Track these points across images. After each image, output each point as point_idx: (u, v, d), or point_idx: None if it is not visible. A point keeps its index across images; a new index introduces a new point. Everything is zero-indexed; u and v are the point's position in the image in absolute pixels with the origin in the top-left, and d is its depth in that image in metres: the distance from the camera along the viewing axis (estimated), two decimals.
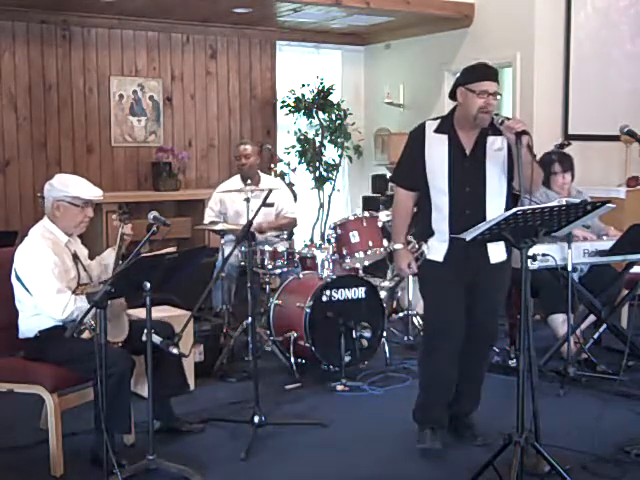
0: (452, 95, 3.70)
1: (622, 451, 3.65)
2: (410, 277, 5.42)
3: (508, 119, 3.45)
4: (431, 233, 3.70)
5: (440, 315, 3.74)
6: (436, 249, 3.67)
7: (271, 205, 5.44)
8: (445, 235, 3.65)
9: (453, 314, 3.69)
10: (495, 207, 3.63)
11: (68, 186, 3.73)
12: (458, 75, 3.70)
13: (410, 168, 3.75)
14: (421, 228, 3.79)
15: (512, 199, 3.69)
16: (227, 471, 3.62)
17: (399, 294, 6.08)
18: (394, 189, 3.90)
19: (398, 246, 3.79)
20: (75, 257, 3.81)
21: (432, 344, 3.81)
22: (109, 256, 3.99)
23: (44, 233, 3.72)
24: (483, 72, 3.60)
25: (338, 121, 8.12)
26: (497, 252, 3.67)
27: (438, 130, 3.69)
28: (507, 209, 3.63)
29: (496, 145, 3.64)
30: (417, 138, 3.73)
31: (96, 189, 3.80)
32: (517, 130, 3.33)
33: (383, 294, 5.41)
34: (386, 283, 5.68)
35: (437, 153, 3.66)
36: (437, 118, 3.78)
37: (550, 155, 5.03)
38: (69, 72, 7.26)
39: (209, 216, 5.83)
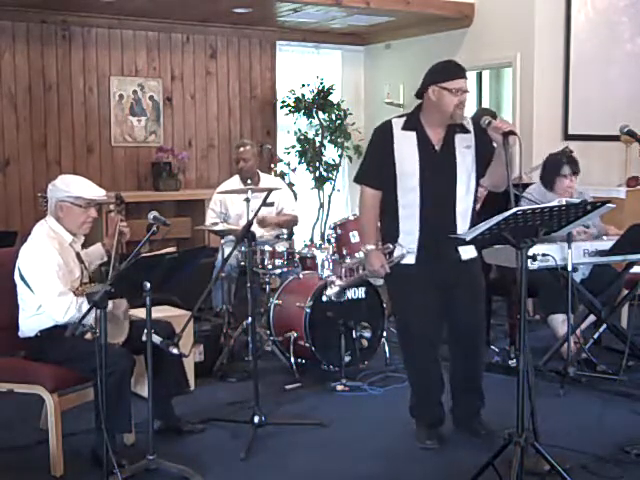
0: (420, 94, 3.64)
1: (622, 451, 3.65)
2: None
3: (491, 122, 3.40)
4: (396, 235, 3.67)
5: (413, 323, 3.71)
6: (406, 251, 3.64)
7: (271, 204, 5.44)
8: (414, 235, 3.62)
9: (425, 320, 3.66)
10: (464, 205, 3.63)
11: (70, 186, 3.72)
12: (426, 74, 3.64)
13: (378, 167, 3.71)
14: (384, 230, 3.74)
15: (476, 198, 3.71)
16: (227, 471, 3.62)
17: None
18: (360, 189, 3.85)
19: (370, 247, 3.75)
20: (79, 257, 3.82)
21: (410, 351, 3.81)
22: (94, 251, 4.00)
23: (49, 233, 3.71)
24: (456, 70, 3.58)
25: (338, 121, 8.10)
26: (467, 249, 3.64)
27: (405, 127, 3.65)
28: (473, 208, 3.66)
29: (465, 143, 3.63)
30: (384, 136, 3.68)
31: (99, 189, 3.78)
32: (504, 130, 3.32)
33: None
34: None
35: (407, 151, 3.62)
36: (402, 115, 3.74)
37: (557, 156, 5.01)
38: (69, 72, 7.24)
39: (211, 217, 5.83)
